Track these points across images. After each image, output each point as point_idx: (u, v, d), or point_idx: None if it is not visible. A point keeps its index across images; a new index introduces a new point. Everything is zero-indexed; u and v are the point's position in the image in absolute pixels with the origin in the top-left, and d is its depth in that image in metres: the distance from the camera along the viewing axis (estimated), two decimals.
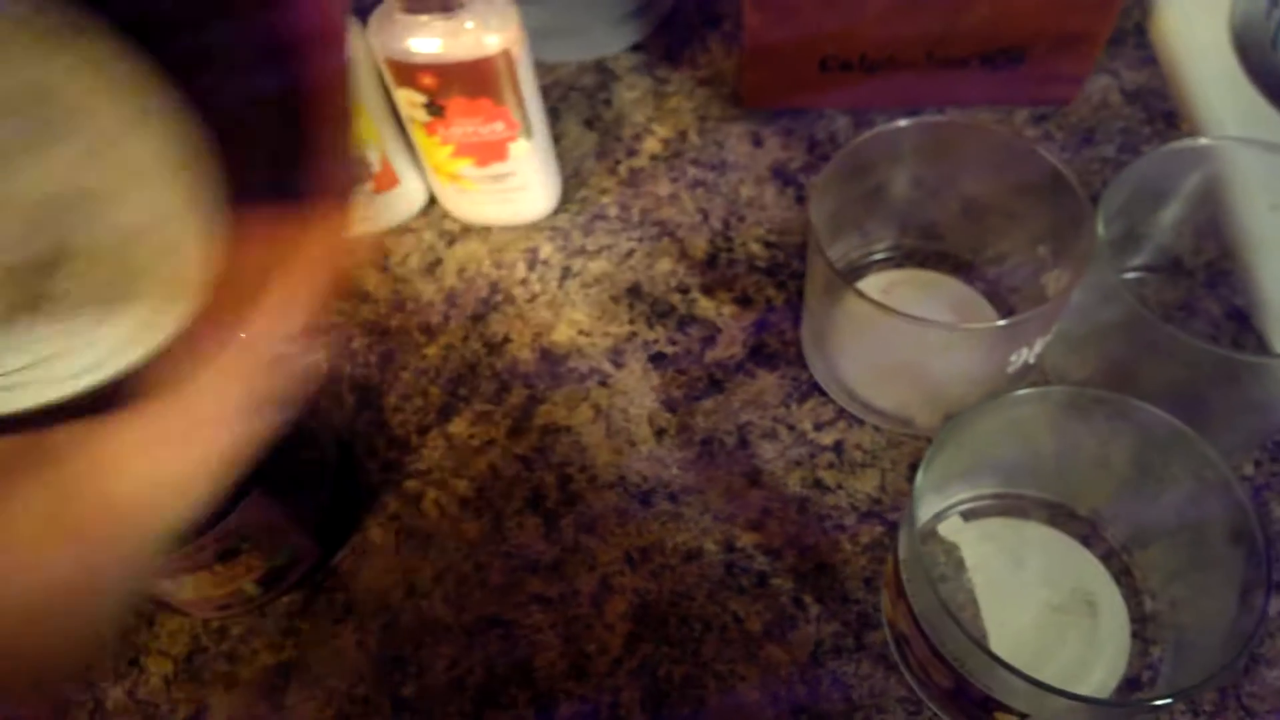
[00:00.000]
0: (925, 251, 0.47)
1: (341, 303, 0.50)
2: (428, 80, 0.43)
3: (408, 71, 0.43)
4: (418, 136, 0.47)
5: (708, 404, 0.45)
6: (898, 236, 0.47)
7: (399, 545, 0.42)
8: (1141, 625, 0.37)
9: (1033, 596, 0.38)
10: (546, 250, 0.51)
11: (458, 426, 0.46)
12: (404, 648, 0.39)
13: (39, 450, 0.18)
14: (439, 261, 0.52)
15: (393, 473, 0.44)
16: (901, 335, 0.38)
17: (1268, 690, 0.36)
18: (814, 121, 0.54)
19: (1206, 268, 0.45)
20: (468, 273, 0.51)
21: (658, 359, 0.47)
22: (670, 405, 0.45)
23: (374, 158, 0.48)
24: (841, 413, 0.44)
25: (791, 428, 0.44)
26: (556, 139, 0.54)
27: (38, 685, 0.17)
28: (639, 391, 0.46)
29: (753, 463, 0.43)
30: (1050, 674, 0.35)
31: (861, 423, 0.43)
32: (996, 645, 0.37)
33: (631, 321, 0.48)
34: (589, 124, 0.56)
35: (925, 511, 0.39)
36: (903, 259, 0.47)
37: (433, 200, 0.53)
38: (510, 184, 0.48)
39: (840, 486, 0.42)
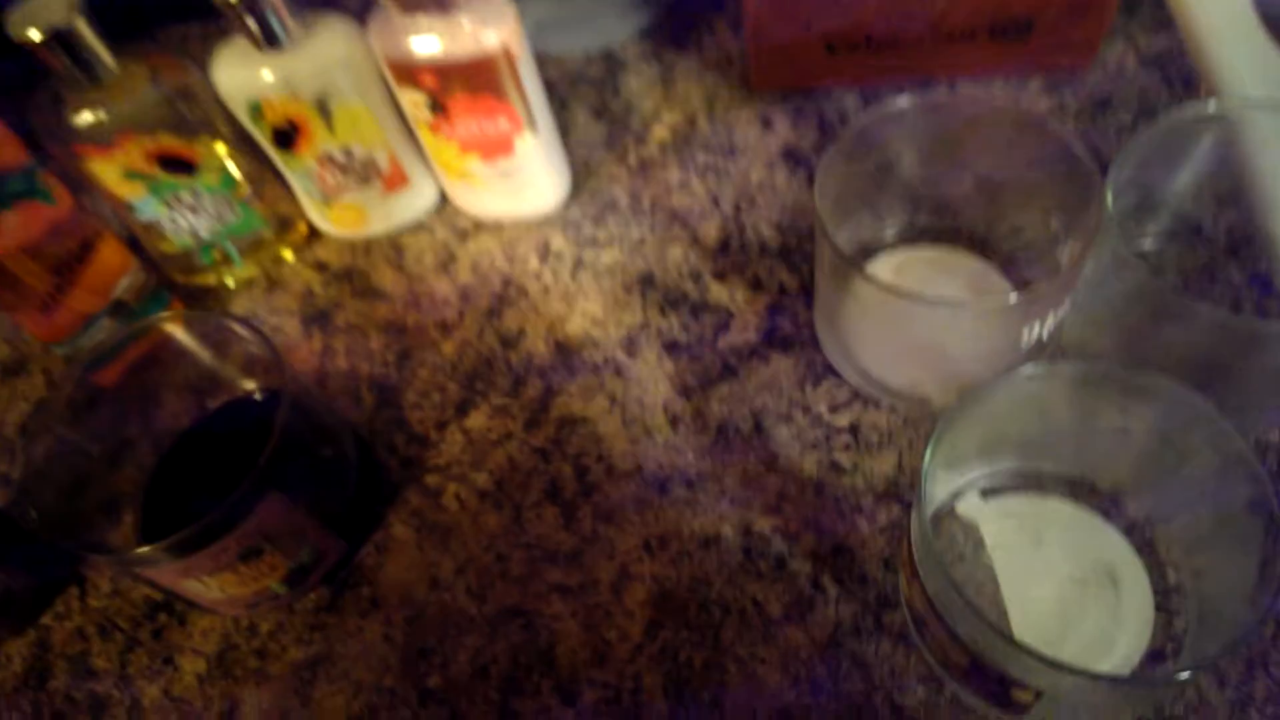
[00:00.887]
0: (938, 228, 0.46)
1: (358, 303, 0.51)
2: (428, 80, 0.43)
3: (408, 72, 0.43)
4: (424, 135, 0.48)
5: (722, 390, 0.45)
6: (909, 214, 0.46)
7: (421, 539, 0.43)
8: (1165, 597, 0.36)
9: (1054, 572, 0.37)
10: (558, 242, 0.51)
11: (475, 421, 0.46)
12: (429, 639, 0.40)
13: None
14: (452, 258, 0.52)
15: (413, 468, 0.45)
16: (912, 315, 0.38)
17: None
18: (823, 102, 0.54)
19: (1228, 233, 0.44)
20: (481, 268, 0.51)
21: (671, 347, 0.47)
22: (685, 392, 0.45)
23: (382, 158, 0.49)
24: (856, 394, 0.44)
25: (807, 411, 0.43)
26: (565, 130, 0.54)
27: None
28: (653, 380, 0.46)
29: (769, 447, 0.43)
30: (1073, 648, 0.35)
31: (877, 404, 0.43)
32: (1017, 621, 0.36)
33: (644, 310, 0.48)
34: (597, 114, 0.56)
35: (941, 490, 0.39)
36: (916, 236, 0.46)
37: (445, 198, 0.54)
38: (518, 178, 0.49)
39: (857, 468, 0.42)
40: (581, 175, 0.53)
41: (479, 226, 0.53)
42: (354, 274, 0.52)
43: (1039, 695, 0.30)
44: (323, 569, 0.40)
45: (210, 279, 0.52)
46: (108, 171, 0.45)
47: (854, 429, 0.43)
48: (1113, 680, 0.28)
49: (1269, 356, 0.36)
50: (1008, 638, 0.27)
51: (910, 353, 0.41)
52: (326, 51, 0.43)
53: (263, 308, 0.52)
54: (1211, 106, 0.40)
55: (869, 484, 0.41)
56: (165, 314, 0.42)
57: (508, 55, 0.42)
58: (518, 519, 0.43)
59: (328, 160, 0.47)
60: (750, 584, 0.39)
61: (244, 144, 0.48)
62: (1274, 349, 0.36)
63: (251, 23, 0.42)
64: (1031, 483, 0.39)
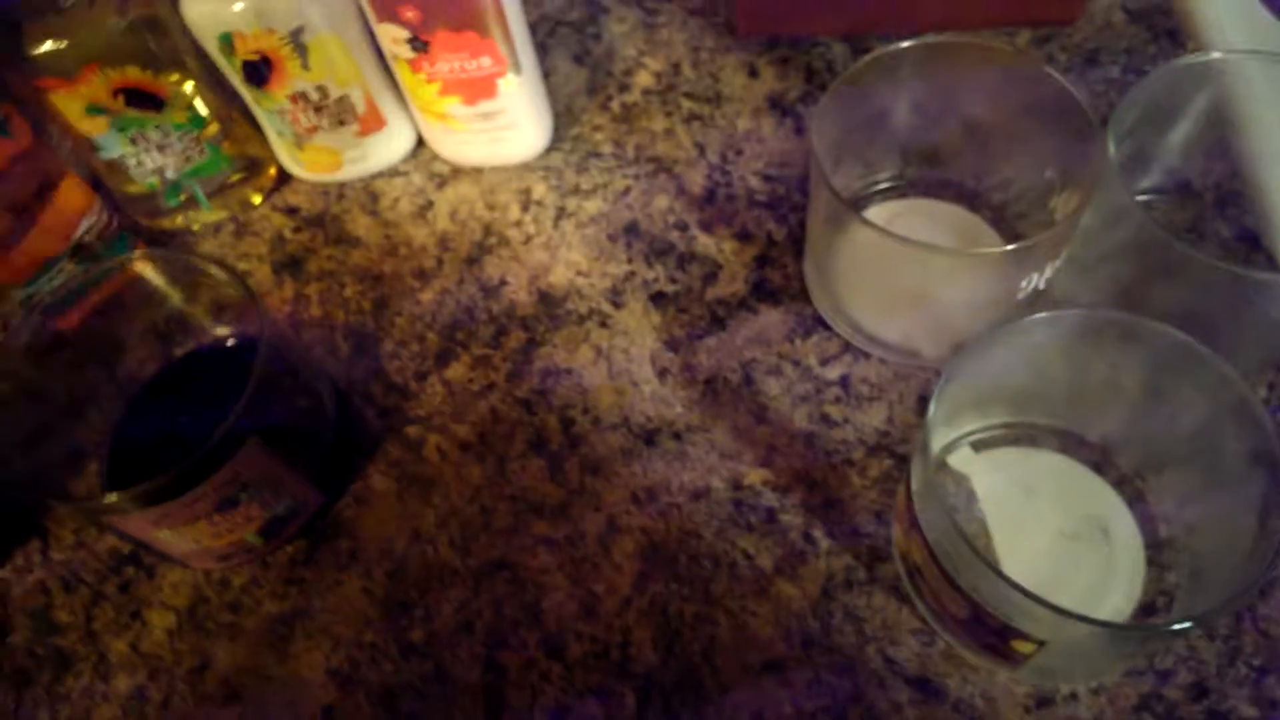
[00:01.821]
0: (929, 180, 0.46)
1: (331, 249, 0.49)
2: (410, 14, 0.41)
3: (388, 6, 0.41)
4: (402, 74, 0.46)
5: (710, 342, 0.44)
6: (900, 166, 0.46)
7: (402, 491, 0.41)
8: (1157, 551, 0.36)
9: (1045, 525, 0.37)
10: (540, 191, 0.50)
11: (456, 371, 0.45)
12: (410, 593, 0.39)
13: None
14: (430, 205, 0.50)
15: (392, 419, 0.43)
16: (908, 263, 0.37)
17: None
18: (810, 51, 0.53)
19: (1216, 189, 0.44)
20: (460, 216, 0.50)
21: (658, 298, 0.46)
22: (672, 344, 0.44)
23: (358, 98, 0.47)
24: (847, 347, 0.43)
25: (796, 363, 0.43)
26: (546, 76, 0.53)
27: None
28: (640, 331, 0.45)
29: (758, 400, 0.42)
30: (1065, 601, 0.35)
31: (868, 356, 0.43)
32: (1009, 574, 0.36)
33: (630, 260, 0.47)
34: (578, 60, 0.55)
35: (935, 443, 0.38)
36: (906, 188, 0.46)
37: (421, 142, 0.52)
38: (500, 122, 0.47)
39: (847, 421, 0.41)
40: (564, 122, 0.52)
41: (457, 173, 0.51)
42: (327, 220, 0.50)
43: (1040, 645, 0.30)
44: (300, 521, 0.39)
45: (176, 222, 0.50)
46: (70, 105, 0.42)
47: (844, 382, 0.42)
48: (1118, 629, 0.28)
49: (1256, 308, 0.36)
50: (1014, 583, 0.27)
51: (903, 304, 0.40)
52: None
53: (231, 253, 0.50)
54: (1207, 56, 0.39)
55: (860, 437, 0.41)
56: (134, 254, 0.40)
57: None
58: (502, 471, 0.42)
59: (301, 98, 0.45)
60: (741, 537, 0.39)
61: (213, 80, 0.46)
62: (1261, 300, 0.36)
63: None
64: (1023, 436, 0.39)
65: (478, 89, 0.45)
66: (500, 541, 0.40)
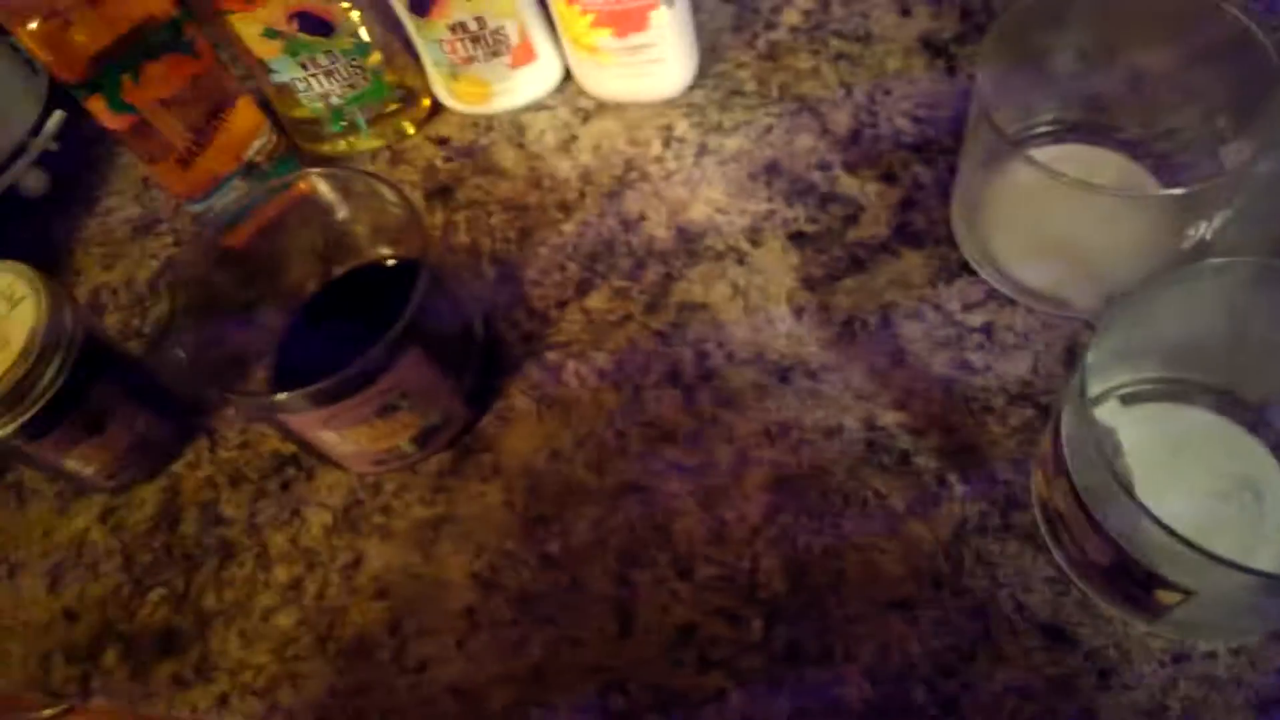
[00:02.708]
0: (1090, 126, 0.44)
1: (479, 179, 0.51)
2: None
3: None
4: (557, 6, 0.47)
5: (849, 283, 0.44)
6: (1060, 110, 0.44)
7: (541, 412, 0.43)
8: None
9: (1193, 484, 0.36)
10: (682, 127, 0.50)
11: (595, 301, 0.46)
12: (548, 508, 0.41)
13: None
14: (574, 138, 0.51)
15: (534, 344, 0.45)
16: (1066, 206, 0.36)
17: None
18: None
19: None
20: (603, 150, 0.50)
21: (797, 237, 0.46)
22: (810, 284, 0.44)
23: (512, 30, 0.48)
24: (992, 293, 0.42)
25: (938, 308, 0.42)
26: (693, 12, 0.53)
27: None
28: (777, 270, 0.45)
29: (896, 343, 0.42)
30: None
31: (1014, 304, 0.42)
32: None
33: (770, 199, 0.47)
34: None
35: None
36: (1065, 134, 0.44)
37: (568, 77, 0.53)
38: (649, 55, 0.47)
39: (989, 368, 0.41)
40: (707, 59, 0.52)
41: (601, 108, 0.52)
42: (476, 150, 0.52)
43: (1186, 595, 0.29)
44: (450, 432, 0.41)
45: (337, 147, 0.52)
46: (248, 28, 0.44)
47: (988, 329, 0.42)
48: (1271, 578, 0.27)
49: None
50: (1168, 528, 0.27)
51: (1057, 250, 0.39)
52: None
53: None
54: None
55: (1001, 385, 0.40)
56: (311, 170, 0.42)
57: None
58: (637, 398, 0.43)
59: (460, 28, 0.47)
60: (873, 476, 0.39)
61: (378, 9, 0.48)
62: None
63: None
64: (1176, 392, 0.38)
65: (630, 21, 0.46)
66: (634, 465, 0.41)
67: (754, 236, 0.46)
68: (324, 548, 0.42)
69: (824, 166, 0.48)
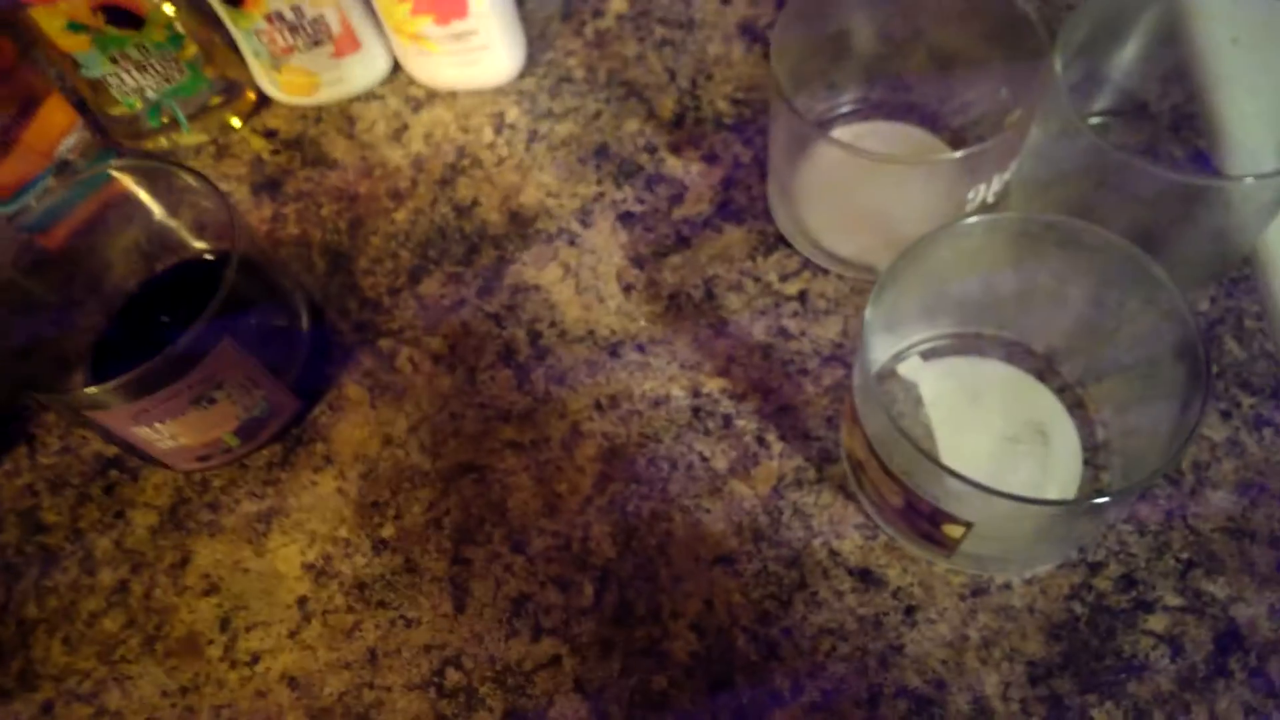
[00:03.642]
0: (892, 103, 0.47)
1: (309, 171, 0.50)
2: None
3: None
4: None
5: (675, 260, 0.45)
6: (864, 89, 0.46)
7: (374, 399, 0.43)
8: (1093, 454, 0.38)
9: (987, 429, 0.39)
10: (513, 114, 0.51)
11: (428, 287, 0.46)
12: (382, 493, 0.41)
13: None
14: (405, 128, 0.51)
15: (366, 332, 0.45)
16: (863, 177, 0.39)
17: (1212, 511, 0.38)
18: None
19: (1171, 111, 0.45)
20: (434, 138, 0.51)
21: (626, 218, 0.47)
22: (638, 262, 0.46)
23: (333, 18, 0.47)
24: (806, 264, 0.44)
25: (757, 279, 0.44)
26: (520, 2, 0.53)
27: None
28: (607, 249, 0.46)
29: (719, 314, 0.44)
30: None
31: (826, 272, 0.44)
32: None
33: (599, 182, 0.48)
34: None
35: (883, 352, 0.40)
36: (870, 111, 0.47)
37: (397, 67, 0.53)
38: (473, 43, 0.48)
39: (804, 333, 0.43)
40: (537, 47, 0.53)
41: (432, 97, 0.52)
42: (304, 142, 0.51)
43: (968, 528, 0.32)
44: (276, 424, 0.41)
45: (158, 143, 0.51)
46: (51, 22, 0.43)
47: (802, 297, 0.43)
48: (1030, 502, 0.29)
49: (1202, 218, 0.37)
50: (938, 463, 0.29)
51: (860, 218, 0.42)
52: None
53: (211, 175, 0.51)
54: None
55: (815, 348, 0.42)
56: (115, 162, 0.41)
57: None
58: (471, 380, 0.43)
59: (277, 18, 0.46)
60: (698, 441, 0.41)
61: (192, 1, 0.47)
62: (1207, 208, 0.37)
63: None
64: (970, 346, 0.41)
65: (449, 8, 0.46)
66: (469, 446, 0.42)
67: (584, 218, 0.47)
68: (150, 548, 0.41)
69: (650, 149, 0.49)
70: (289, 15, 0.46)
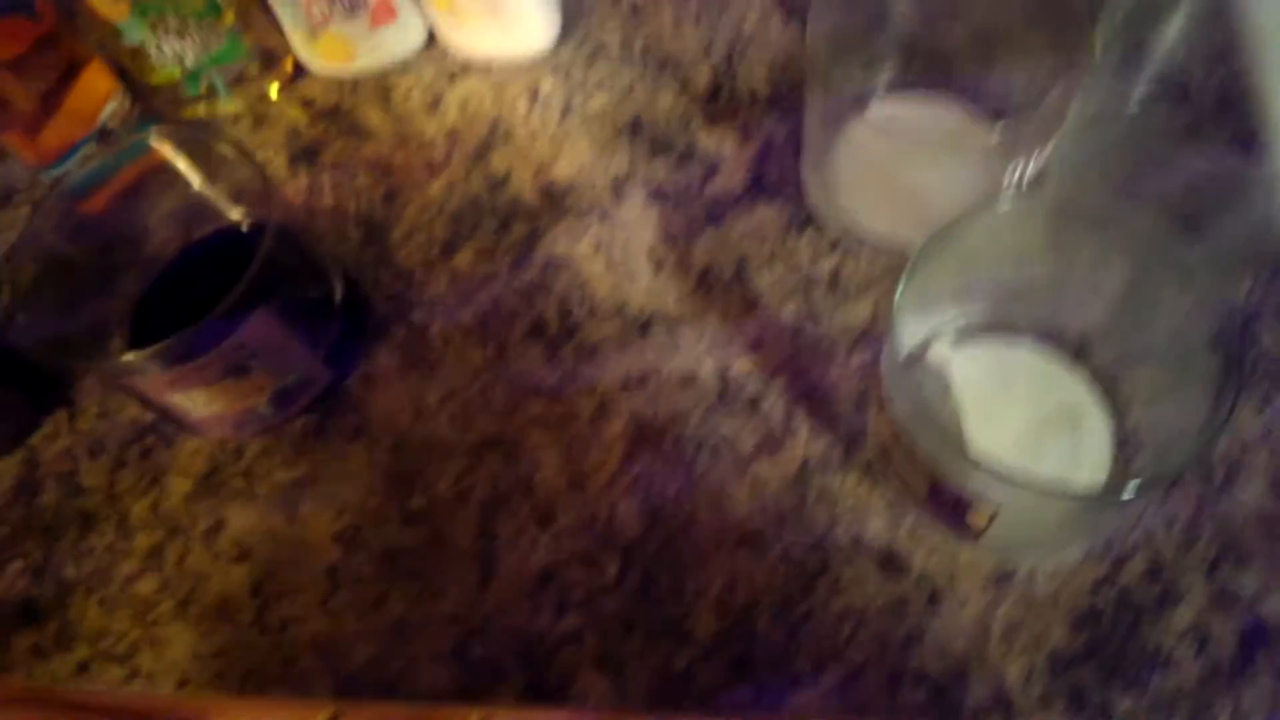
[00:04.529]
0: (931, 79, 0.46)
1: (344, 141, 0.50)
2: None
3: None
4: None
5: (706, 237, 0.45)
6: (902, 64, 0.46)
7: (406, 372, 0.43)
8: (1124, 442, 0.37)
9: (1017, 413, 0.38)
10: (547, 86, 0.51)
11: (461, 261, 0.46)
12: (412, 465, 0.41)
13: None
14: (440, 99, 0.51)
15: (399, 304, 0.45)
16: (898, 156, 0.38)
17: (1241, 504, 0.37)
18: None
19: (1215, 92, 0.44)
20: (469, 110, 0.51)
21: (658, 194, 0.47)
22: (669, 239, 0.45)
23: None
24: (838, 243, 0.44)
25: (788, 259, 0.44)
26: None
27: None
28: (639, 226, 0.46)
29: (749, 293, 0.43)
30: None
31: (858, 251, 0.43)
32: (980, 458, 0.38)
33: (632, 157, 0.48)
34: None
35: (914, 335, 0.40)
36: (907, 87, 0.46)
37: (433, 38, 0.53)
38: (508, 10, 0.48)
39: (834, 314, 0.42)
40: (572, 18, 0.52)
41: (467, 68, 0.52)
42: (340, 112, 0.52)
43: (993, 517, 0.31)
44: (309, 394, 0.41)
45: (197, 112, 0.51)
46: None
47: (834, 276, 0.43)
48: (1056, 493, 0.29)
49: (1247, 206, 0.37)
50: (961, 450, 0.28)
51: (893, 197, 0.41)
52: None
53: (248, 144, 0.51)
54: None
55: (845, 329, 0.42)
56: (154, 129, 0.41)
57: None
58: (501, 355, 0.43)
59: None
60: (725, 421, 0.41)
61: None
62: (1254, 196, 0.36)
63: None
64: (1002, 330, 0.40)
65: None
66: (497, 420, 0.42)
67: (616, 193, 0.47)
68: (185, 514, 0.42)
69: (684, 124, 0.49)
70: None
